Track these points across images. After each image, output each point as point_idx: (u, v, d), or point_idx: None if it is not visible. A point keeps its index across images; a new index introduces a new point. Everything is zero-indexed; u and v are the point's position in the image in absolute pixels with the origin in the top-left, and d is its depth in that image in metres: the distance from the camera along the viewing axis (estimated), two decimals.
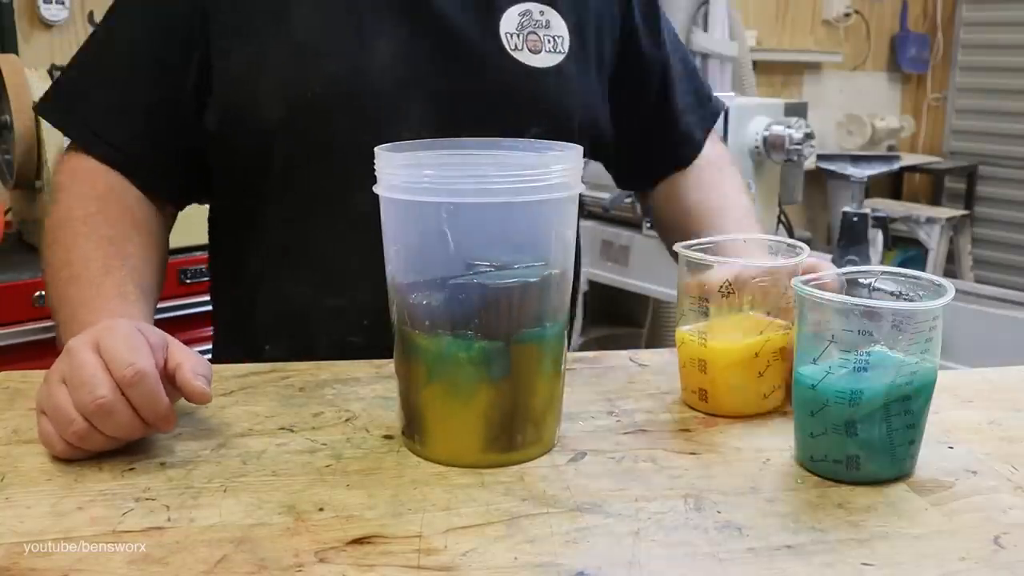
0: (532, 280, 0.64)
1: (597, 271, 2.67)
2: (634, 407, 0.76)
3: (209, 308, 1.08)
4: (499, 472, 0.65)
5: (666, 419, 0.74)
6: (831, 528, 0.58)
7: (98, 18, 1.31)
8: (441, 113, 0.90)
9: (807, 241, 3.31)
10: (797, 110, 2.35)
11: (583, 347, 2.71)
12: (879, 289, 0.67)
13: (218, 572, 0.52)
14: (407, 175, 0.64)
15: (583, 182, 0.67)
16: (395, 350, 0.68)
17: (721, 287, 0.74)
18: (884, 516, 0.60)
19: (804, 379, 0.64)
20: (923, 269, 2.46)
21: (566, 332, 0.70)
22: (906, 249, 3.92)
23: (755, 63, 3.59)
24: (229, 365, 0.83)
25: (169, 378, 0.66)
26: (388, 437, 0.70)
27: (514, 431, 0.66)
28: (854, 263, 2.00)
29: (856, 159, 2.30)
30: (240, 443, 0.69)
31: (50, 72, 1.92)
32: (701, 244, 0.77)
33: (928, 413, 0.65)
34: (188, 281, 1.89)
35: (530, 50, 0.94)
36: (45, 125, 1.79)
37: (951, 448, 0.70)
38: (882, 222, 2.34)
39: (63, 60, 1.72)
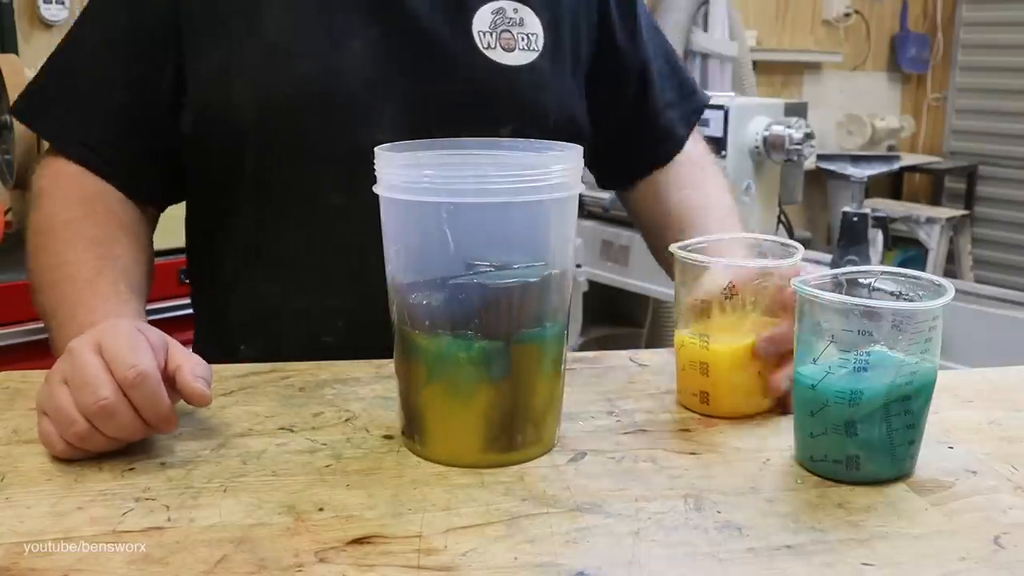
0: (532, 280, 0.64)
1: (597, 271, 2.67)
2: (634, 407, 0.76)
3: None
4: (499, 472, 0.65)
5: (666, 419, 0.74)
6: (831, 528, 0.58)
7: None
8: (414, 113, 0.90)
9: (807, 241, 3.32)
10: (797, 110, 2.35)
11: (583, 347, 2.71)
12: (879, 289, 0.67)
13: (218, 572, 0.52)
14: (407, 175, 0.64)
15: (583, 182, 0.67)
16: (395, 350, 0.68)
17: (724, 289, 0.74)
18: (884, 516, 0.60)
19: (804, 379, 0.64)
20: (923, 269, 2.46)
21: (566, 332, 0.70)
22: (906, 249, 3.93)
23: (755, 63, 3.60)
24: (229, 365, 0.83)
25: (169, 380, 0.66)
26: (388, 437, 0.70)
27: (514, 431, 0.66)
28: (854, 263, 2.00)
29: (856, 159, 2.30)
30: (240, 443, 0.69)
31: None
32: (695, 244, 0.77)
33: (928, 413, 0.65)
34: (187, 281, 1.89)
35: (503, 48, 0.93)
36: None
37: (951, 448, 0.70)
38: (882, 222, 2.34)
39: None
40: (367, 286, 0.90)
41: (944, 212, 3.85)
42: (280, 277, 0.93)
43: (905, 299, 0.65)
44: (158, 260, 0.97)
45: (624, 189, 1.12)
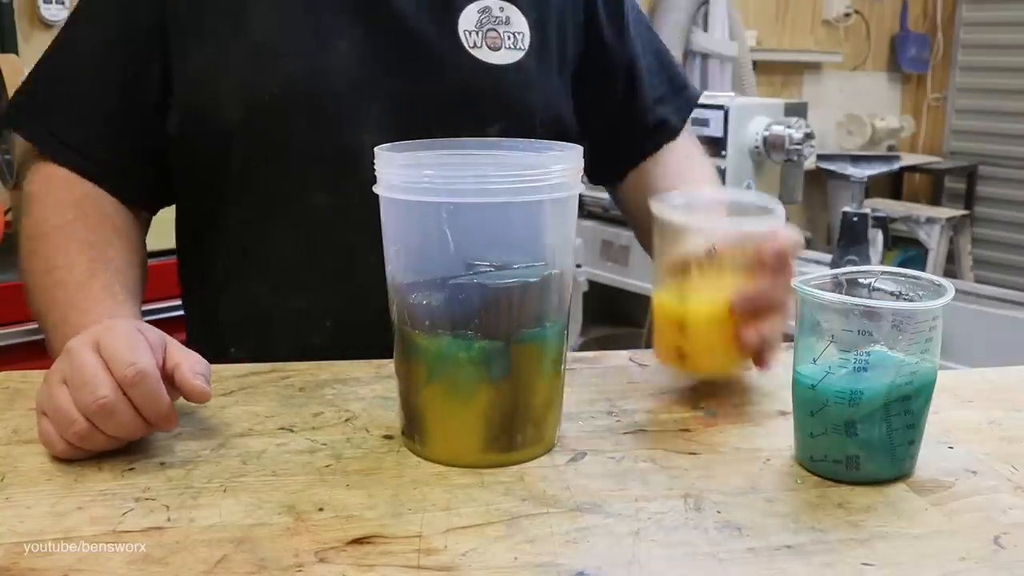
0: (532, 280, 0.64)
1: (597, 271, 2.67)
2: (634, 407, 0.76)
3: None
4: (499, 472, 0.65)
5: (666, 419, 0.74)
6: (831, 528, 0.58)
7: None
8: (400, 113, 0.90)
9: (807, 241, 3.32)
10: (797, 110, 2.35)
11: (583, 347, 2.71)
12: (879, 289, 0.67)
13: (218, 572, 0.52)
14: (407, 175, 0.63)
15: (583, 182, 0.67)
16: (395, 350, 0.68)
17: (707, 251, 0.74)
18: (884, 516, 0.60)
19: (804, 379, 0.64)
20: (923, 269, 2.46)
21: (566, 332, 0.70)
22: (906, 249, 3.92)
23: (755, 63, 3.60)
24: (229, 365, 0.83)
25: (168, 377, 0.66)
26: (388, 437, 0.70)
27: (514, 431, 0.66)
28: (854, 263, 2.00)
29: (856, 159, 2.30)
30: (240, 443, 0.69)
31: None
32: (675, 203, 0.76)
33: (928, 413, 0.65)
34: None
35: (489, 47, 0.93)
36: None
37: (951, 448, 0.70)
38: (882, 222, 2.34)
39: None
40: (356, 286, 0.90)
41: (944, 212, 3.85)
42: (268, 278, 0.93)
43: (905, 299, 0.65)
44: (157, 260, 0.97)
45: (615, 183, 1.12)
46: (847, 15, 4.36)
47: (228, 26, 0.89)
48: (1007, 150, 4.49)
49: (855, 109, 4.42)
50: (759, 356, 0.76)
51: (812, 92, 4.31)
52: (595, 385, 0.81)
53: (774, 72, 4.14)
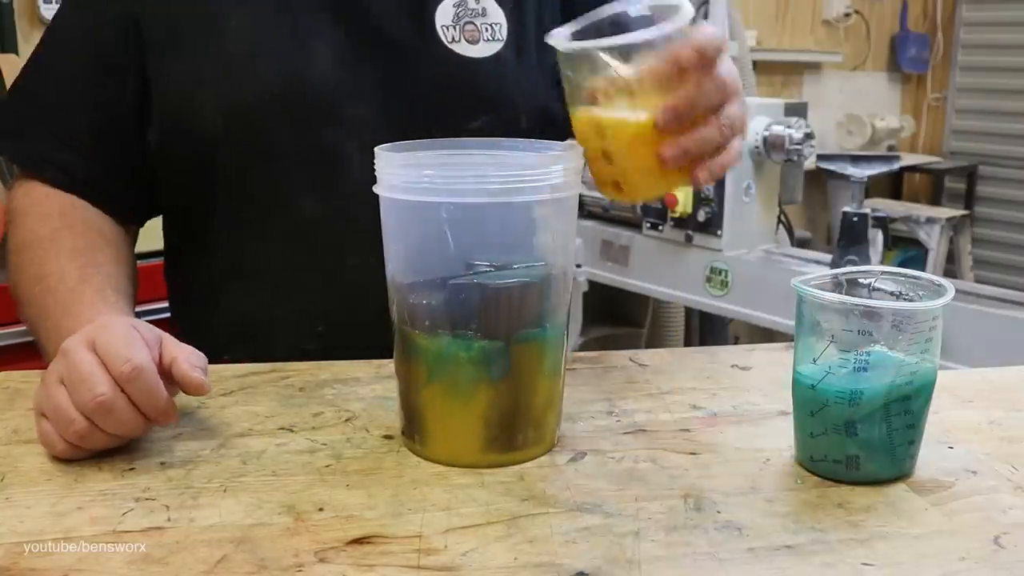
0: (532, 280, 0.65)
1: (597, 271, 2.67)
2: (634, 407, 0.76)
3: None
4: (499, 472, 0.65)
5: (666, 419, 0.74)
6: (831, 528, 0.58)
7: None
8: (382, 114, 0.89)
9: (807, 241, 3.32)
10: (797, 110, 2.35)
11: (583, 347, 2.71)
12: (879, 289, 0.67)
13: (218, 572, 0.52)
14: (407, 175, 0.64)
15: (583, 182, 0.67)
16: (395, 350, 0.68)
17: (612, 75, 0.68)
18: (884, 516, 0.60)
19: (804, 379, 0.64)
20: (923, 269, 2.46)
21: (566, 332, 0.70)
22: (906, 249, 3.92)
23: (755, 63, 3.60)
24: (229, 365, 0.83)
25: (165, 372, 0.66)
26: (388, 437, 0.70)
27: (514, 431, 0.66)
28: (854, 263, 2.00)
29: (856, 159, 2.30)
30: (240, 443, 0.69)
31: None
32: (566, 32, 0.70)
33: (928, 413, 0.65)
34: None
35: (468, 41, 0.93)
36: None
37: (951, 448, 0.70)
38: (882, 222, 2.34)
39: None
40: (346, 287, 0.90)
41: (944, 212, 3.85)
42: (258, 286, 0.93)
43: (905, 299, 0.65)
44: (153, 262, 0.97)
45: None
46: (847, 15, 4.36)
47: (203, 36, 0.89)
48: (1007, 150, 4.49)
49: (855, 109, 4.42)
50: (692, 171, 0.70)
51: (812, 92, 4.31)
52: (595, 385, 0.81)
53: (774, 72, 4.14)
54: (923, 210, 3.85)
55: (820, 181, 4.10)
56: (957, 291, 0.65)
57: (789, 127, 2.24)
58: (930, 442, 0.67)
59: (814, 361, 0.63)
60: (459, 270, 0.63)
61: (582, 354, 0.89)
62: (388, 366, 0.74)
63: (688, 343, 2.96)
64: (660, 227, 2.46)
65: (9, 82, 1.85)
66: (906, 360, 0.62)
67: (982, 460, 0.68)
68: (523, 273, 0.64)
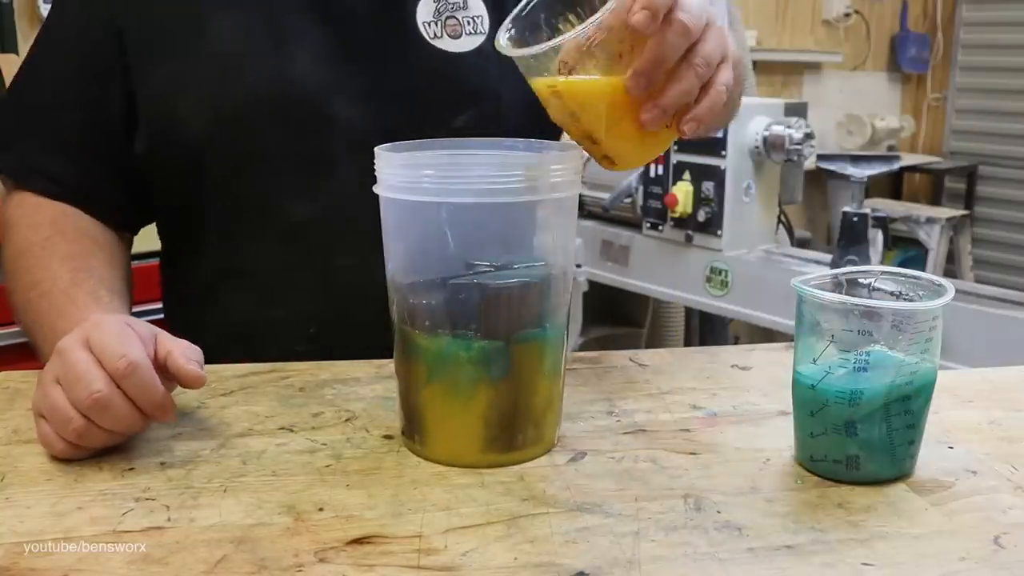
0: (532, 280, 0.64)
1: (597, 271, 2.67)
2: (634, 407, 0.76)
3: None
4: (499, 472, 0.65)
5: (666, 419, 0.74)
6: (831, 528, 0.58)
7: None
8: (368, 113, 0.89)
9: (807, 241, 3.32)
10: (797, 110, 2.35)
11: (583, 347, 2.71)
12: (879, 289, 0.67)
13: (218, 572, 0.52)
14: (407, 175, 0.64)
15: (583, 182, 0.67)
16: (395, 350, 0.68)
17: (561, 65, 0.66)
18: (884, 516, 0.60)
19: (804, 379, 0.64)
20: (923, 269, 2.46)
21: (566, 332, 0.70)
22: (906, 249, 3.93)
23: (755, 63, 3.60)
24: (228, 365, 0.83)
25: (161, 367, 0.66)
26: (388, 437, 0.70)
27: (514, 431, 0.66)
28: (854, 263, 2.00)
29: (856, 159, 2.30)
30: (240, 443, 0.69)
31: None
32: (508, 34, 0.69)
33: (928, 413, 0.65)
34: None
35: (450, 36, 0.92)
36: None
37: (951, 448, 0.70)
38: (882, 222, 2.34)
39: None
40: (338, 288, 0.90)
41: (944, 212, 3.85)
42: (249, 290, 0.93)
43: (905, 299, 0.65)
44: (151, 262, 0.97)
45: None
46: (847, 15, 4.36)
47: (187, 41, 0.88)
48: (1007, 150, 4.49)
49: (855, 109, 4.42)
50: (678, 125, 0.68)
51: (812, 92, 4.31)
52: (595, 385, 0.81)
53: (774, 72, 4.14)
54: (923, 210, 3.85)
55: (820, 181, 4.10)
56: (957, 291, 0.65)
57: (789, 127, 2.24)
58: (930, 442, 0.67)
59: (814, 361, 0.63)
60: (459, 270, 0.63)
61: (582, 354, 0.89)
62: (388, 366, 0.74)
63: (688, 343, 2.96)
64: (660, 227, 2.46)
65: (9, 82, 1.85)
66: (906, 360, 0.62)
67: (982, 460, 0.68)
68: (523, 273, 0.64)
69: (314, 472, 0.64)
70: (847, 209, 2.12)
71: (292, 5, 0.89)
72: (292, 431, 0.71)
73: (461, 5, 0.93)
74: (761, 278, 2.27)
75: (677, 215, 2.38)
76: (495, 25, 0.94)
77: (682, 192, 2.35)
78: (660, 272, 2.50)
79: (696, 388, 0.80)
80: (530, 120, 0.81)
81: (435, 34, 0.92)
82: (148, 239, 1.03)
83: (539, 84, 0.69)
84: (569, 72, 0.66)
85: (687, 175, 2.36)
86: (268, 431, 0.71)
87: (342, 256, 0.90)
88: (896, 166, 2.45)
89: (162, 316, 1.02)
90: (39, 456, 0.66)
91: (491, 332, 0.63)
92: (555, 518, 0.58)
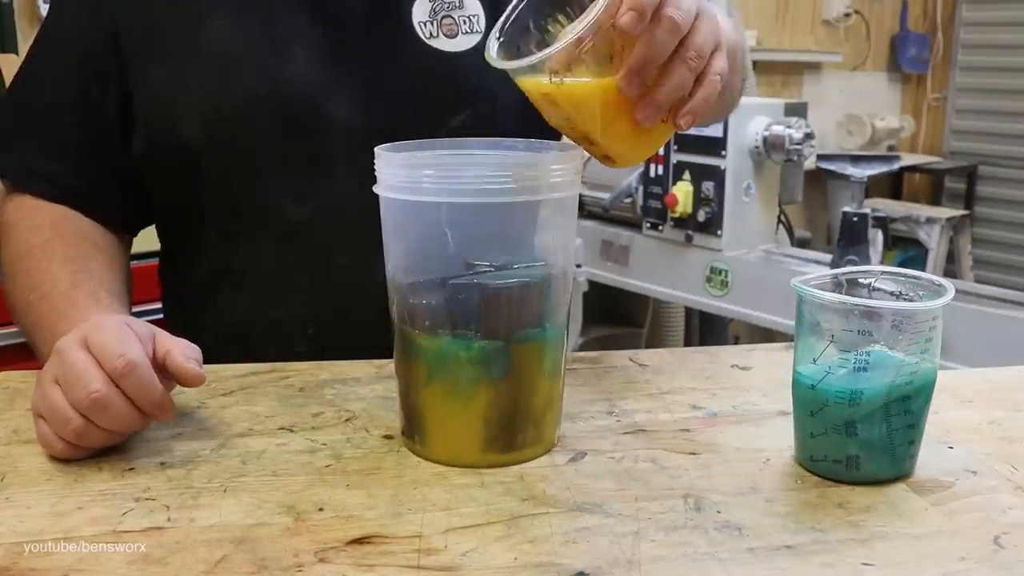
0: (532, 280, 0.65)
1: (597, 271, 2.67)
2: (634, 407, 0.76)
3: None
4: (499, 472, 0.65)
5: (666, 419, 0.74)
6: (831, 528, 0.58)
7: None
8: (364, 113, 0.89)
9: (807, 241, 3.32)
10: (797, 110, 2.35)
11: (583, 347, 2.71)
12: (879, 289, 0.67)
13: (218, 572, 0.52)
14: (407, 175, 0.64)
15: (583, 182, 0.67)
16: (395, 350, 0.68)
17: (551, 75, 0.67)
18: (884, 516, 0.60)
19: (804, 379, 0.64)
20: (923, 269, 2.46)
21: (566, 332, 0.70)
22: (906, 249, 3.92)
23: (755, 63, 3.59)
24: (228, 365, 0.83)
25: (160, 366, 0.66)
26: (388, 437, 0.70)
27: (514, 431, 0.66)
28: (854, 263, 2.00)
29: (856, 159, 2.30)
30: (240, 443, 0.69)
31: None
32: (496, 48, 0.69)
33: (928, 413, 0.65)
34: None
35: (446, 35, 0.92)
36: None
37: (951, 448, 0.70)
38: (882, 222, 2.34)
39: None
40: (336, 289, 0.90)
41: (944, 212, 3.85)
42: (248, 291, 0.93)
43: (905, 299, 0.65)
44: (150, 262, 0.97)
45: None
46: (847, 15, 4.36)
47: (183, 42, 0.88)
48: (1007, 150, 4.49)
49: (855, 109, 4.42)
50: (674, 119, 0.69)
51: (812, 92, 4.31)
52: (595, 385, 0.81)
53: (774, 72, 4.14)
54: (923, 210, 3.85)
55: (820, 181, 4.10)
56: (957, 291, 0.65)
57: (789, 127, 2.24)
58: (930, 442, 0.67)
59: (814, 361, 0.63)
60: (459, 270, 0.63)
61: (582, 354, 0.89)
62: (388, 366, 0.74)
63: (688, 343, 2.96)
64: (660, 227, 2.46)
65: (9, 81, 1.85)
66: (906, 360, 0.62)
67: (982, 460, 0.68)
68: (523, 273, 0.64)
69: (314, 472, 0.64)
70: (847, 209, 2.12)
71: (289, 6, 0.89)
72: (292, 431, 0.71)
73: (457, 4, 0.93)
74: (761, 278, 2.27)
75: (677, 215, 2.38)
76: (491, 24, 0.93)
77: (682, 192, 2.35)
78: (660, 272, 2.50)
79: (696, 388, 0.80)
80: (528, 119, 0.81)
81: (431, 33, 0.92)
82: (147, 239, 1.03)
83: (533, 90, 0.70)
84: (562, 76, 0.67)
85: (687, 175, 2.36)
86: (268, 431, 0.71)
87: (341, 256, 0.90)
88: (896, 166, 2.46)
89: (161, 316, 1.02)
90: (39, 456, 0.66)
91: (491, 332, 0.63)
92: (555, 518, 0.58)
